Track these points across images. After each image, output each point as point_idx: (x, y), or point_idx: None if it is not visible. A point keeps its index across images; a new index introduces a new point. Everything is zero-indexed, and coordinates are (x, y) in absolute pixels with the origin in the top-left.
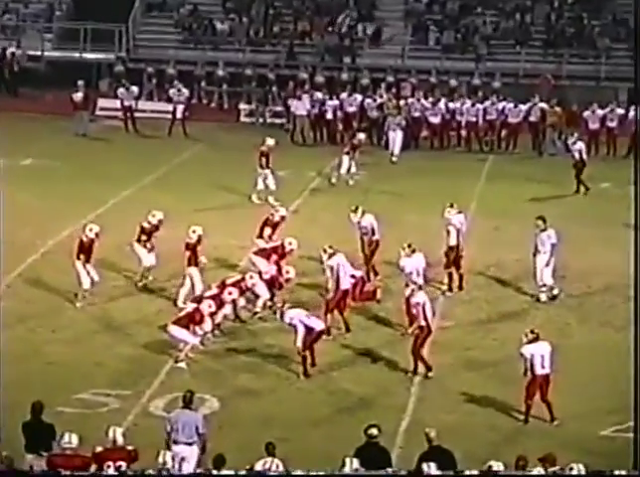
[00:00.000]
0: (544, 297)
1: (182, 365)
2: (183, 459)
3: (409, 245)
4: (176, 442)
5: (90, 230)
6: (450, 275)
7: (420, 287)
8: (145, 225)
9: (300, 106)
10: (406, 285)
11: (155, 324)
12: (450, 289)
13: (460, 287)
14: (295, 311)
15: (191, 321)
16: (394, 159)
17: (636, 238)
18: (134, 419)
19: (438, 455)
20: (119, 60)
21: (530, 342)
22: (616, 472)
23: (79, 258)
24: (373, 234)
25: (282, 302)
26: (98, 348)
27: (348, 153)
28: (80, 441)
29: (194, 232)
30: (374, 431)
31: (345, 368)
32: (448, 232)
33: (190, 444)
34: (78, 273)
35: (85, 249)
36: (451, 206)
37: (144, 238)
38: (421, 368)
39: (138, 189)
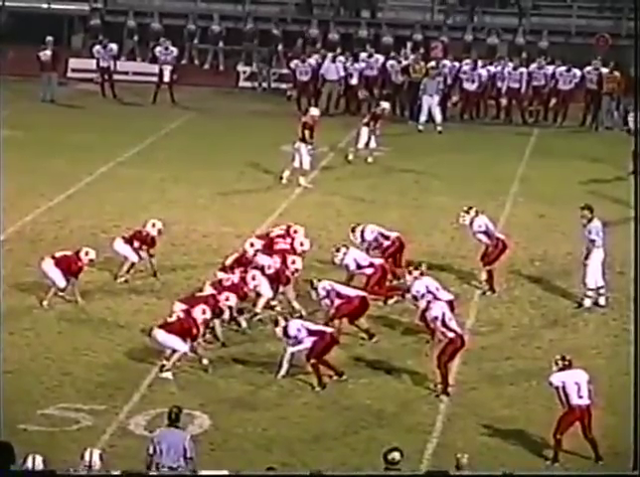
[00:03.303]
0: (587, 302)
1: (167, 375)
2: None
3: (417, 267)
4: (159, 467)
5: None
6: (490, 273)
7: (435, 297)
8: (143, 233)
9: (332, 70)
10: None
11: (134, 326)
12: (492, 290)
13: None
14: (299, 322)
15: (182, 329)
16: (438, 129)
17: (636, 238)
18: (110, 440)
19: None
20: (95, 11)
21: (561, 369)
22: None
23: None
24: (386, 238)
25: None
26: (67, 354)
27: (367, 124)
28: (46, 465)
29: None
30: (395, 456)
31: (361, 380)
32: (479, 239)
33: (175, 469)
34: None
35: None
36: (466, 211)
37: (136, 244)
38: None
39: (117, 165)
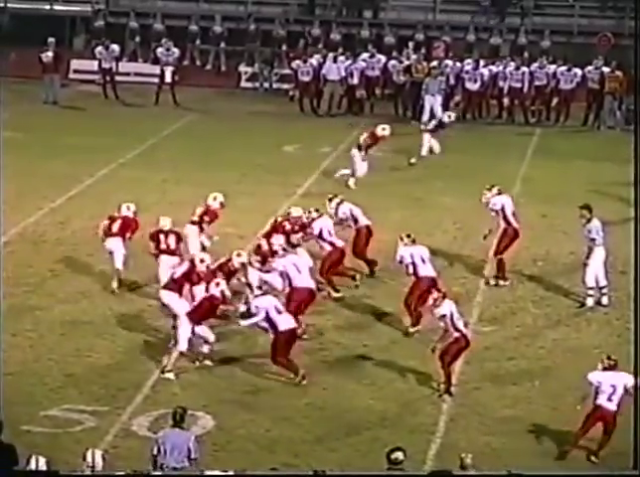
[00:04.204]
0: (590, 302)
1: (170, 375)
2: None
3: (409, 235)
4: (163, 467)
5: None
6: (500, 263)
7: (445, 296)
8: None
9: (333, 70)
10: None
11: (137, 328)
12: (504, 278)
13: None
14: (267, 299)
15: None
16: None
17: (636, 238)
18: (113, 441)
19: None
20: (97, 13)
21: (605, 369)
22: (616, 472)
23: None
24: (356, 222)
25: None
26: (70, 355)
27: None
28: (49, 466)
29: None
30: (399, 456)
31: (363, 380)
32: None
33: (179, 470)
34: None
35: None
36: (488, 189)
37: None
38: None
39: (118, 166)
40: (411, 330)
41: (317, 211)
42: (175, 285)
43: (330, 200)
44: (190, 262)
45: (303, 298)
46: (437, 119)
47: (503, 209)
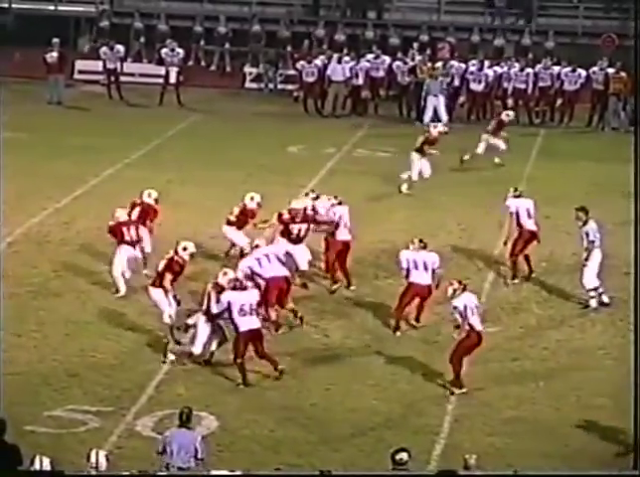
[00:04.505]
0: (593, 303)
1: (171, 357)
2: None
3: (421, 240)
4: (169, 467)
5: (185, 249)
6: (514, 264)
7: (465, 288)
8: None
9: (337, 71)
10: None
11: (140, 328)
12: (514, 277)
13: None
14: (235, 296)
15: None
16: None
17: (636, 237)
18: (118, 441)
19: None
20: (102, 13)
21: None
22: (616, 472)
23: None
24: (336, 227)
25: None
26: (74, 356)
27: (490, 132)
28: (53, 466)
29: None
30: (403, 456)
31: (368, 381)
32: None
33: (186, 470)
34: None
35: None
36: (514, 189)
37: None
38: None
39: (123, 167)
40: (397, 333)
41: (336, 198)
42: (159, 279)
43: (307, 194)
44: (174, 251)
45: (278, 287)
46: (496, 119)
47: (517, 212)
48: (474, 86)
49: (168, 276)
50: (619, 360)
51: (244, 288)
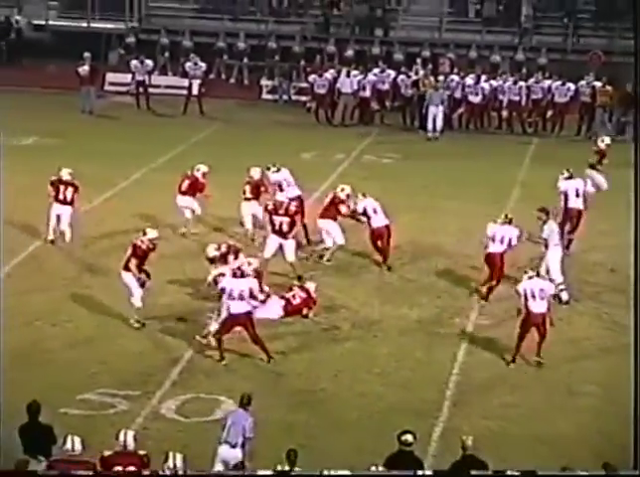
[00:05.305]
0: (565, 296)
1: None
2: (223, 461)
3: (506, 216)
4: (220, 442)
5: (145, 234)
6: (569, 242)
7: (538, 273)
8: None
9: (347, 84)
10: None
11: (166, 318)
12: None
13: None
14: (230, 282)
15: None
16: (436, 135)
17: (636, 238)
18: (144, 422)
19: (471, 466)
20: (131, 30)
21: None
22: (616, 472)
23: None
24: (368, 217)
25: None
26: (104, 344)
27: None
28: (84, 446)
29: (145, 234)
30: (408, 438)
31: (374, 369)
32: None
33: (233, 446)
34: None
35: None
36: (567, 170)
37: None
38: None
39: (149, 171)
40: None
41: (364, 195)
42: (126, 263)
43: (268, 168)
44: (140, 239)
45: (240, 324)
46: (596, 150)
47: (566, 192)
48: (472, 99)
49: (133, 261)
50: (605, 350)
51: (243, 276)
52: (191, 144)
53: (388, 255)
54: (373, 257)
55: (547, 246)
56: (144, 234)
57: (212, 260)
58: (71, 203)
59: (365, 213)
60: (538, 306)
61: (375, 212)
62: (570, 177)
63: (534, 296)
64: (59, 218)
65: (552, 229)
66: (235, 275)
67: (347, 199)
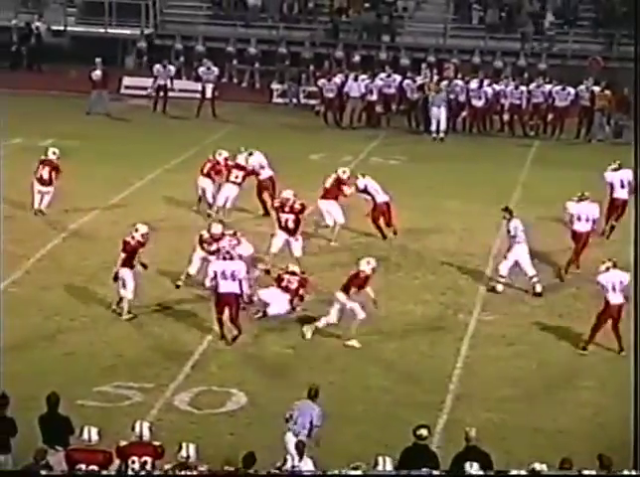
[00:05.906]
0: (500, 288)
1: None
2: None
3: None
4: (288, 431)
5: (137, 230)
6: (612, 228)
7: (615, 265)
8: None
9: (354, 88)
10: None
11: (179, 314)
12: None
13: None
14: (220, 264)
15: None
16: (441, 136)
17: (636, 238)
18: (158, 414)
19: (474, 456)
20: (146, 36)
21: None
22: (617, 472)
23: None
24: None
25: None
26: (120, 338)
27: None
28: (101, 436)
29: (137, 230)
30: (423, 432)
31: (380, 363)
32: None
33: (296, 435)
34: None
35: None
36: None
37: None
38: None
39: (164, 171)
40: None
41: (363, 175)
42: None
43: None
44: (131, 235)
45: (227, 303)
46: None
47: (612, 183)
48: (475, 102)
49: (122, 255)
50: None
51: (232, 258)
52: (204, 146)
53: (395, 226)
54: (379, 254)
55: (512, 244)
56: (136, 230)
57: (209, 238)
58: (49, 183)
59: (366, 190)
60: (617, 298)
61: (375, 190)
62: (617, 169)
63: (614, 288)
64: (42, 195)
65: (516, 226)
66: (224, 258)
67: (348, 180)
